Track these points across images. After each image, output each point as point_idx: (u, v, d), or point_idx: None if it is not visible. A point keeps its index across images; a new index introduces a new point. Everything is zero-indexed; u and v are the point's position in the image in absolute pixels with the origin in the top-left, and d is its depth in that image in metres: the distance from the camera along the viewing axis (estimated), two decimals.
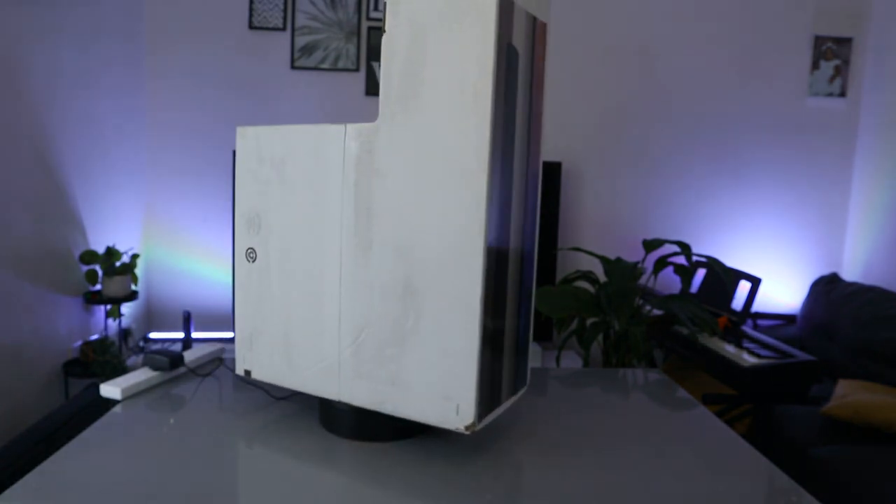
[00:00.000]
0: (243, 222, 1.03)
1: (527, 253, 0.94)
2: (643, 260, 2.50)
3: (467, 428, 0.83)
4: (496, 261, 0.85)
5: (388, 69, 0.86)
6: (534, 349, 2.85)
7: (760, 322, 3.18)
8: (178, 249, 3.04)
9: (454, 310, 0.83)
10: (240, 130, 1.02)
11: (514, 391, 0.94)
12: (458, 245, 0.82)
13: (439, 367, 0.84)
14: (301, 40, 2.96)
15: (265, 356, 1.02)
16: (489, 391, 0.86)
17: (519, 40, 0.86)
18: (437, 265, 0.84)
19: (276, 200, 0.99)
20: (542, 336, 2.97)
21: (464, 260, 0.82)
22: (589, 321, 3.04)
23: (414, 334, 0.86)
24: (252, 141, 1.00)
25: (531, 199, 0.94)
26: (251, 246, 1.02)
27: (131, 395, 1.11)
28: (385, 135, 0.87)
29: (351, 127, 0.91)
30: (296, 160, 0.98)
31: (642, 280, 3.10)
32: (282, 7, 2.94)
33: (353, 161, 0.91)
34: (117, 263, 2.52)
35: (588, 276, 2.46)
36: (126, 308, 2.80)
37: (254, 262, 1.02)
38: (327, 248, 0.95)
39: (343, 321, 0.94)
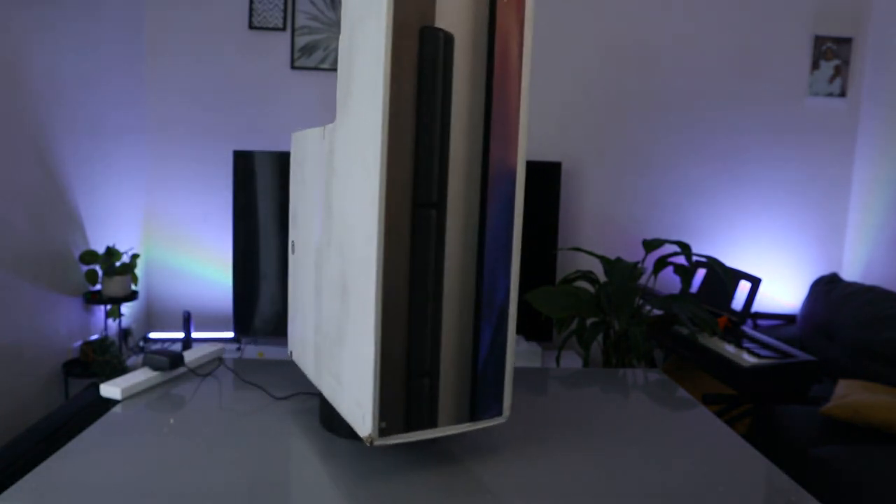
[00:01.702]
0: (290, 218, 1.12)
1: (489, 265, 0.84)
2: (643, 260, 2.50)
3: (366, 439, 0.78)
4: (413, 269, 0.78)
5: (340, 69, 0.87)
6: (533, 349, 2.85)
7: (760, 322, 3.18)
8: (178, 249, 3.04)
9: (363, 315, 0.80)
10: (293, 136, 1.10)
11: (471, 418, 0.85)
12: (365, 247, 0.79)
13: (356, 371, 0.82)
14: (301, 40, 2.96)
15: (295, 342, 1.10)
16: (406, 408, 0.80)
17: (455, 22, 0.76)
18: (358, 267, 0.81)
19: (300, 198, 1.06)
20: (542, 336, 2.96)
21: (366, 263, 0.78)
22: (589, 321, 3.04)
23: (346, 335, 0.85)
24: (294, 144, 1.09)
25: (499, 205, 0.83)
26: (293, 239, 1.10)
27: (131, 395, 1.11)
28: (338, 134, 0.88)
29: (327, 128, 0.93)
30: (306, 161, 1.02)
31: (642, 280, 3.10)
32: (282, 7, 2.94)
33: (326, 160, 0.93)
34: (117, 263, 2.52)
35: (588, 276, 2.46)
36: (126, 308, 2.80)
37: (293, 253, 1.10)
38: (313, 244, 0.99)
39: (318, 316, 0.96)
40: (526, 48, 0.81)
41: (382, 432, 0.79)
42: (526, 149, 0.83)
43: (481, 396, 0.85)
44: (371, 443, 0.78)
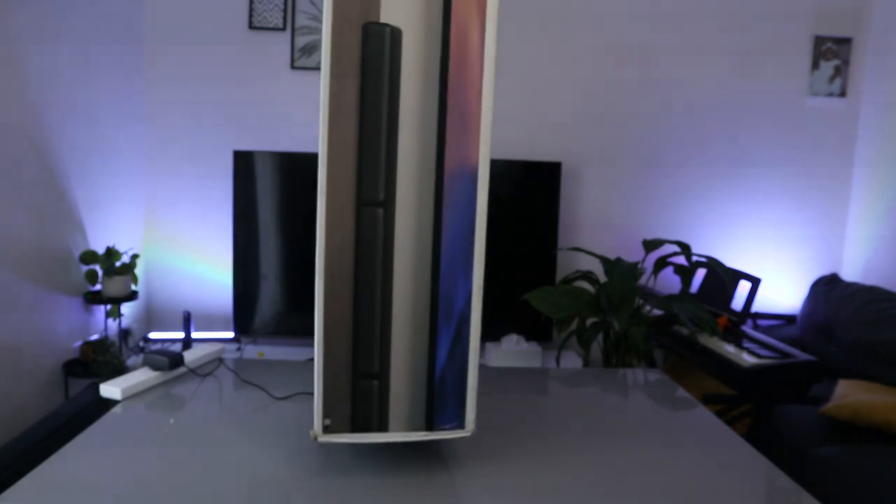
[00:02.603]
0: None
1: (446, 269, 0.79)
2: (643, 260, 2.50)
3: (312, 434, 0.80)
4: (359, 269, 0.77)
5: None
6: (533, 349, 2.85)
7: (760, 322, 3.18)
8: (178, 249, 3.04)
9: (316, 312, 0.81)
10: None
11: (427, 427, 0.83)
12: (318, 245, 0.80)
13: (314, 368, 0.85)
14: (301, 40, 2.96)
15: None
16: (353, 408, 0.80)
17: (404, 16, 0.74)
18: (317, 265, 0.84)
19: None
20: (542, 336, 2.96)
21: (318, 261, 0.79)
22: (589, 321, 3.04)
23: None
24: None
25: (457, 206, 0.78)
26: None
27: (131, 395, 1.11)
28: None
29: None
30: None
31: (642, 280, 3.09)
32: (282, 7, 2.94)
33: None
34: (117, 263, 2.52)
35: (588, 276, 2.46)
36: (126, 308, 2.80)
37: None
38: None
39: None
40: (488, 41, 0.77)
41: (327, 429, 0.79)
42: (490, 146, 0.78)
43: (439, 406, 0.82)
44: (315, 438, 0.79)
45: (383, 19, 0.74)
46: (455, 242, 0.78)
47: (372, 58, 0.74)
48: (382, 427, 0.80)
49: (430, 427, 0.82)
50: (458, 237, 0.78)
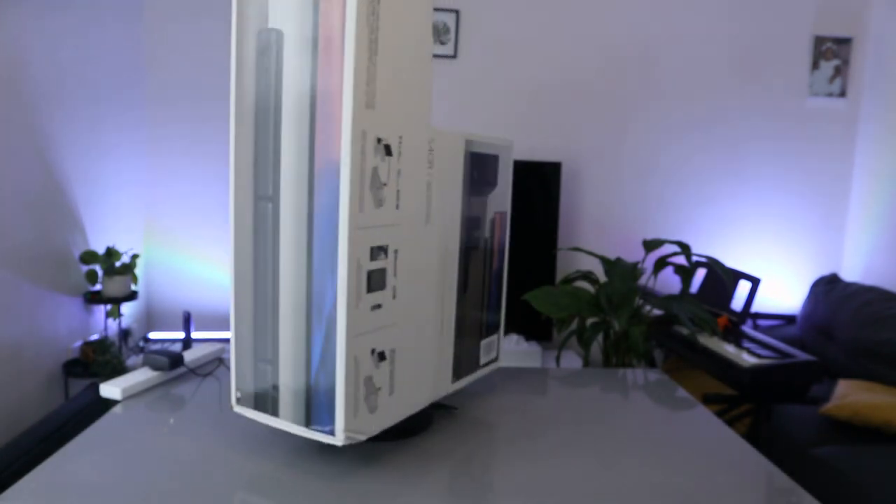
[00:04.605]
0: None
1: (317, 267, 0.78)
2: (643, 260, 2.50)
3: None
4: (255, 259, 0.83)
5: None
6: (533, 349, 2.85)
7: (760, 322, 3.18)
8: (178, 249, 3.04)
9: None
10: None
11: (306, 423, 0.82)
12: None
13: None
14: None
15: None
16: (254, 387, 0.86)
17: (285, 20, 0.78)
18: None
19: None
20: (542, 336, 2.96)
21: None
22: (589, 321, 3.04)
23: None
24: None
25: (325, 204, 0.77)
26: None
27: (131, 395, 1.11)
28: None
29: None
30: None
31: (642, 280, 3.09)
32: None
33: None
34: (117, 263, 2.52)
35: (588, 276, 2.46)
36: (126, 308, 2.80)
37: None
38: None
39: None
40: (348, 40, 0.76)
41: (238, 401, 0.88)
42: (353, 145, 0.76)
43: (315, 407, 0.81)
44: (231, 407, 0.86)
45: (271, 24, 0.80)
46: (323, 241, 0.78)
47: (262, 62, 0.81)
48: (274, 412, 0.85)
49: (308, 423, 0.82)
50: (325, 236, 0.78)
